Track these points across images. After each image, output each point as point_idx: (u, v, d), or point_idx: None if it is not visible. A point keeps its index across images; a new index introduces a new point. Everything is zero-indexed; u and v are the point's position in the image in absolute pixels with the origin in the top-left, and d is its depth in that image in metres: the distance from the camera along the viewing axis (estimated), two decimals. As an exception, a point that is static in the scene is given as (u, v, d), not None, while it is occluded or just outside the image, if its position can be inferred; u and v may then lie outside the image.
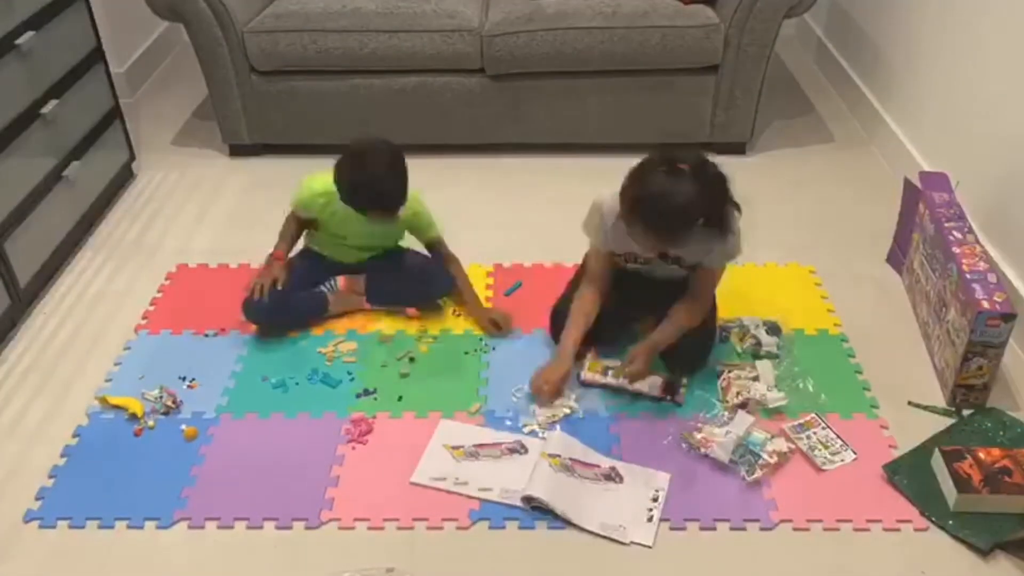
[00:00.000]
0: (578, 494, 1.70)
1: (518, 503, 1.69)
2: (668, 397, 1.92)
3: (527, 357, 2.03)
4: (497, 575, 1.58)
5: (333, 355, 2.07)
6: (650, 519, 1.67)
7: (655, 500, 1.70)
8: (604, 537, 1.64)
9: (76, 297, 2.31)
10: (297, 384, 1.99)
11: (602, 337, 2.01)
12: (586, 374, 1.96)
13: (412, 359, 2.06)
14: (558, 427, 1.86)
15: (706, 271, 1.91)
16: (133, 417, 1.90)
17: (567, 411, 1.90)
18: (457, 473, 1.75)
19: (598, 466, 1.77)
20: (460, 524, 1.67)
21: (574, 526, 1.66)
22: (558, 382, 1.91)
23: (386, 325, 2.17)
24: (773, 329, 2.08)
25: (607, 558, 1.61)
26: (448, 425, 1.87)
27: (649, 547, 1.62)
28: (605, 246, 1.93)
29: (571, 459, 1.76)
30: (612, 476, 1.75)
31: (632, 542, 1.63)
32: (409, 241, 2.23)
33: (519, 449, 1.81)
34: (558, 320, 2.01)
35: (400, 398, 1.95)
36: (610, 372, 1.96)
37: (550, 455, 1.76)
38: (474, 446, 1.81)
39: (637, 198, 1.70)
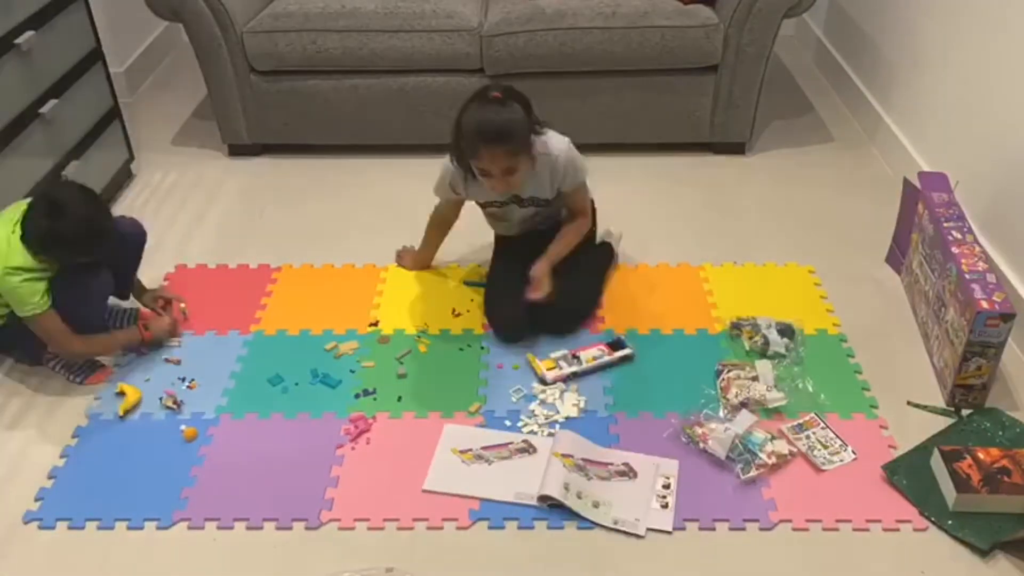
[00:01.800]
0: (589, 492, 1.71)
1: (533, 503, 1.69)
2: (618, 354, 2.02)
3: (525, 357, 2.05)
4: (497, 575, 1.58)
5: (339, 353, 2.07)
6: (665, 506, 1.69)
7: (667, 487, 1.73)
8: (620, 531, 1.65)
9: (75, 297, 2.31)
10: (297, 384, 1.99)
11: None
12: (547, 374, 1.97)
13: (401, 361, 2.05)
14: (558, 426, 1.87)
15: (573, 193, 2.11)
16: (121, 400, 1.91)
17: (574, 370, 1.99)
18: (469, 478, 1.75)
19: (611, 463, 1.77)
20: (460, 524, 1.67)
21: (589, 522, 1.66)
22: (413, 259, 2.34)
23: (385, 325, 2.17)
24: (786, 331, 2.08)
25: (606, 558, 1.61)
26: (452, 429, 1.86)
27: (669, 532, 1.65)
28: (454, 198, 2.18)
29: (583, 459, 1.77)
30: (627, 472, 1.76)
31: (649, 529, 1.65)
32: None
33: (528, 449, 1.81)
34: (499, 323, 2.14)
35: (399, 398, 1.95)
36: (563, 363, 2.00)
37: (563, 455, 1.76)
38: (482, 448, 1.81)
39: (475, 129, 1.90)
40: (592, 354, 2.02)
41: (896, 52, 2.81)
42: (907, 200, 2.31)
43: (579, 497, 1.69)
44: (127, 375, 2.03)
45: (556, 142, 2.03)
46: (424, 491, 1.73)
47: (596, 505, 1.69)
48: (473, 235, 2.51)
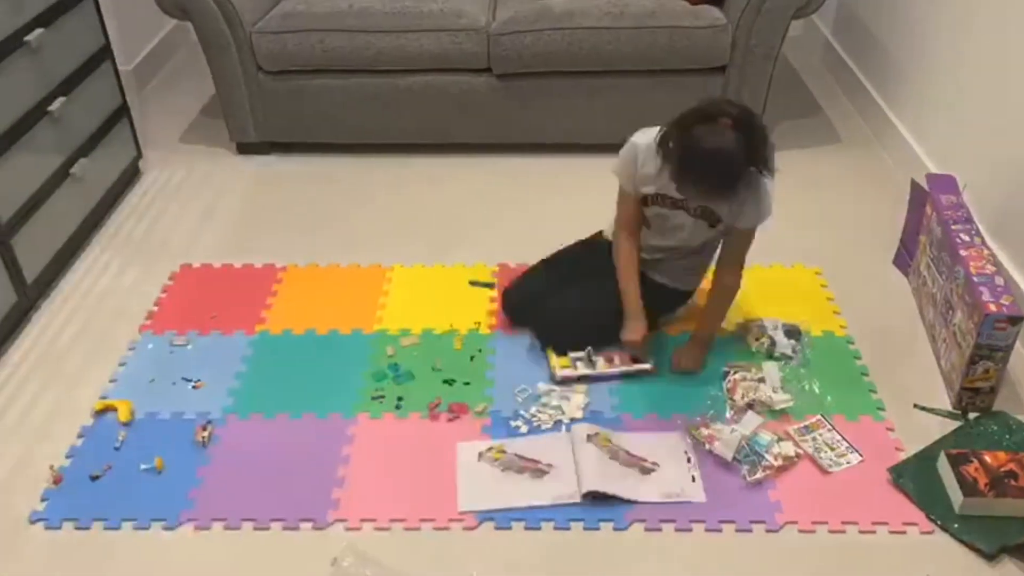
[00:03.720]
0: (624, 475, 1.74)
1: (577, 501, 1.70)
2: (636, 367, 1.99)
3: (531, 355, 2.06)
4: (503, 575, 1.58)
5: (393, 351, 2.08)
6: (693, 479, 1.75)
7: (689, 461, 1.78)
8: (669, 503, 1.69)
9: (82, 295, 2.32)
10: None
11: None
12: (560, 372, 1.97)
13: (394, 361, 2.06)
14: (564, 427, 1.87)
15: (740, 233, 1.90)
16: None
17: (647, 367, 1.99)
18: (502, 489, 1.74)
19: (627, 451, 1.80)
20: (467, 525, 1.68)
21: (637, 503, 1.70)
22: (645, 339, 1.98)
23: (391, 324, 2.17)
24: (793, 333, 2.08)
25: (613, 558, 1.61)
26: (465, 447, 1.84)
27: (704, 503, 1.70)
28: (635, 189, 1.93)
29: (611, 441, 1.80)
30: (651, 468, 1.78)
31: (689, 502, 1.70)
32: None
33: (546, 470, 1.79)
34: (508, 300, 2.12)
35: (400, 399, 1.95)
36: (579, 363, 1.99)
37: (591, 435, 1.80)
38: (514, 455, 1.81)
39: (685, 159, 1.72)
40: (612, 360, 2.00)
41: (905, 53, 2.80)
42: (915, 202, 2.30)
43: (619, 483, 1.72)
44: (130, 379, 2.04)
45: (768, 185, 1.82)
46: (461, 512, 1.70)
47: (635, 485, 1.72)
48: (479, 234, 2.52)
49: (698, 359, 2.01)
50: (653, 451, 1.81)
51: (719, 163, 1.69)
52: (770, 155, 1.75)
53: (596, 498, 1.70)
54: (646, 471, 1.77)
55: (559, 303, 2.03)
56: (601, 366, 1.99)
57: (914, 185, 2.32)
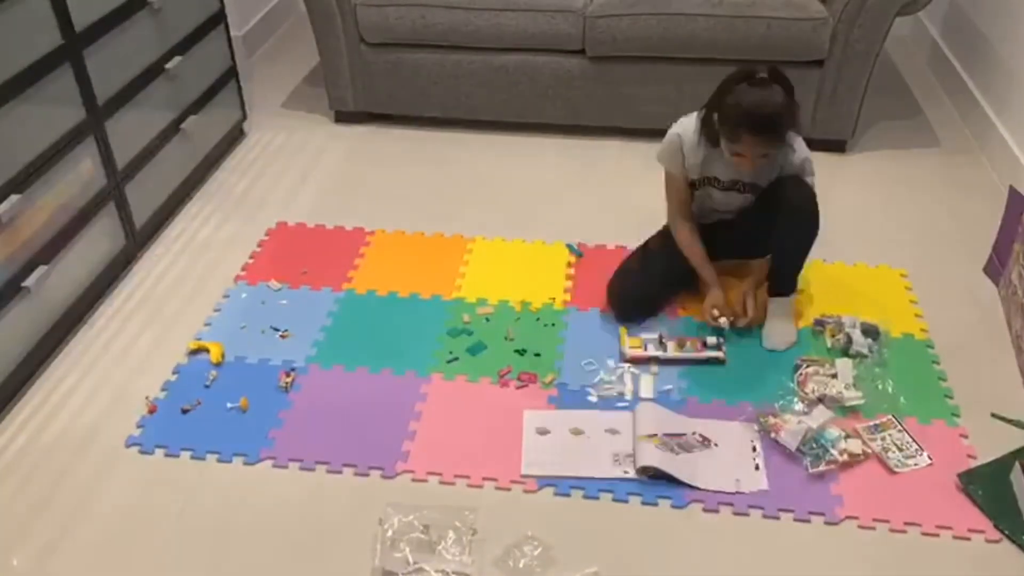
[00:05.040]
0: (685, 459, 1.76)
1: (632, 476, 1.74)
2: (707, 354, 2.00)
3: (602, 332, 2.10)
4: (558, 540, 1.63)
5: (469, 318, 2.15)
6: (757, 467, 1.76)
7: (755, 450, 1.79)
8: (727, 493, 1.71)
9: (184, 243, 2.47)
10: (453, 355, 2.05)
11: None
12: (629, 351, 2.00)
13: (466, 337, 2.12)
14: (629, 403, 1.90)
15: (799, 166, 1.99)
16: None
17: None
18: (564, 457, 1.79)
19: (685, 434, 1.81)
20: (527, 488, 1.73)
21: (693, 487, 1.72)
22: (726, 305, 2.05)
23: (469, 293, 2.24)
24: (870, 331, 2.05)
25: (668, 534, 1.64)
26: (532, 415, 1.89)
27: (767, 490, 1.71)
28: (685, 174, 2.04)
29: (666, 434, 1.80)
30: (704, 443, 1.80)
31: (750, 491, 1.71)
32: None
33: (612, 431, 1.84)
34: (614, 293, 2.14)
35: (473, 364, 2.01)
36: (650, 345, 2.02)
37: (648, 436, 1.80)
38: (569, 430, 1.85)
39: (743, 113, 1.83)
40: (684, 345, 2.02)
41: (1016, 58, 2.70)
42: (1011, 210, 2.23)
43: (676, 463, 1.74)
44: (222, 324, 2.16)
45: (800, 140, 1.99)
46: (524, 475, 1.75)
47: (693, 472, 1.74)
48: (560, 213, 2.56)
49: (784, 315, 2.06)
50: (719, 437, 1.82)
51: (772, 107, 1.82)
52: (798, 108, 1.90)
53: (654, 476, 1.73)
54: (707, 454, 1.78)
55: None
56: (672, 350, 2.01)
57: (1012, 192, 2.24)
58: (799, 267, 2.07)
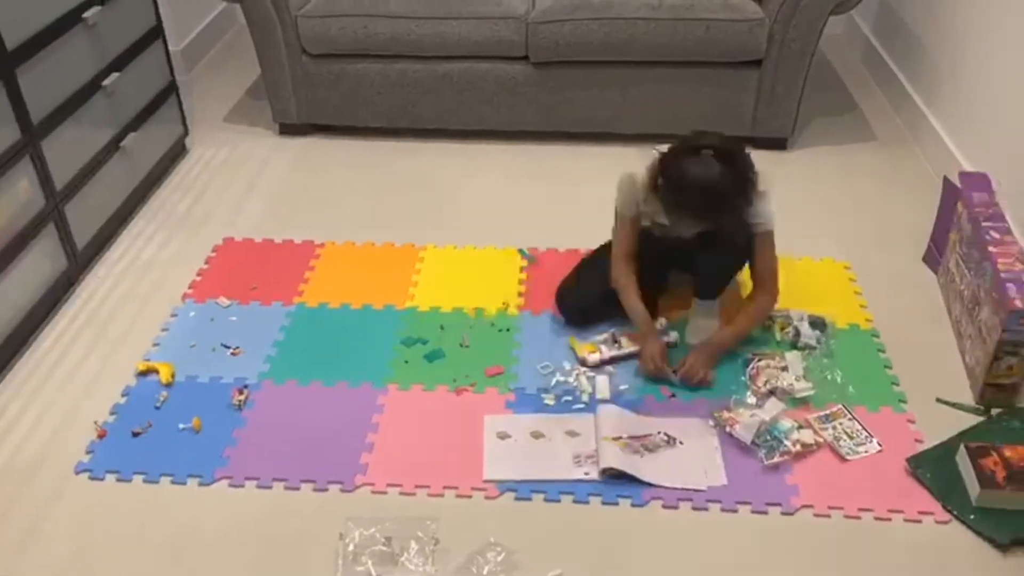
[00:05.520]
0: (647, 458, 1.78)
1: (596, 478, 1.75)
2: (664, 340, 2.02)
3: (556, 336, 2.11)
4: (520, 545, 1.63)
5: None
6: (717, 464, 1.78)
7: (717, 448, 1.81)
8: (691, 490, 1.73)
9: (129, 263, 2.42)
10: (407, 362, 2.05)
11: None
12: (590, 357, 2.01)
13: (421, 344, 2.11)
14: (600, 405, 1.91)
15: (760, 244, 1.95)
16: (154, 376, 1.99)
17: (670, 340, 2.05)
18: (526, 461, 1.79)
19: (651, 435, 1.83)
20: (488, 494, 1.73)
21: (657, 487, 1.73)
22: (663, 356, 1.98)
23: (422, 302, 2.23)
24: (818, 324, 2.10)
25: (628, 533, 1.66)
26: (493, 420, 1.89)
27: (725, 485, 1.73)
28: (636, 216, 2.00)
29: (630, 436, 1.82)
30: (671, 442, 1.82)
31: (710, 487, 1.73)
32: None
33: (572, 433, 1.85)
34: (560, 302, 2.14)
35: (428, 372, 2.01)
36: (603, 347, 2.03)
37: (612, 438, 1.81)
38: (530, 434, 1.85)
39: (677, 195, 1.82)
40: (635, 339, 2.04)
41: (943, 52, 2.79)
42: (946, 199, 2.31)
43: (637, 463, 1.75)
44: (171, 344, 2.12)
45: (763, 207, 1.91)
46: (485, 481, 1.75)
47: (656, 471, 1.75)
48: (510, 219, 2.57)
49: (707, 362, 1.97)
50: (683, 435, 1.84)
51: (708, 192, 1.77)
52: (755, 178, 1.84)
53: (615, 476, 1.75)
54: (674, 452, 1.80)
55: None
56: (627, 345, 2.04)
57: (947, 183, 2.32)
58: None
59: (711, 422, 1.87)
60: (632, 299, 2.03)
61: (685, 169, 1.79)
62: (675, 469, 1.77)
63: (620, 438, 1.81)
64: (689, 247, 1.97)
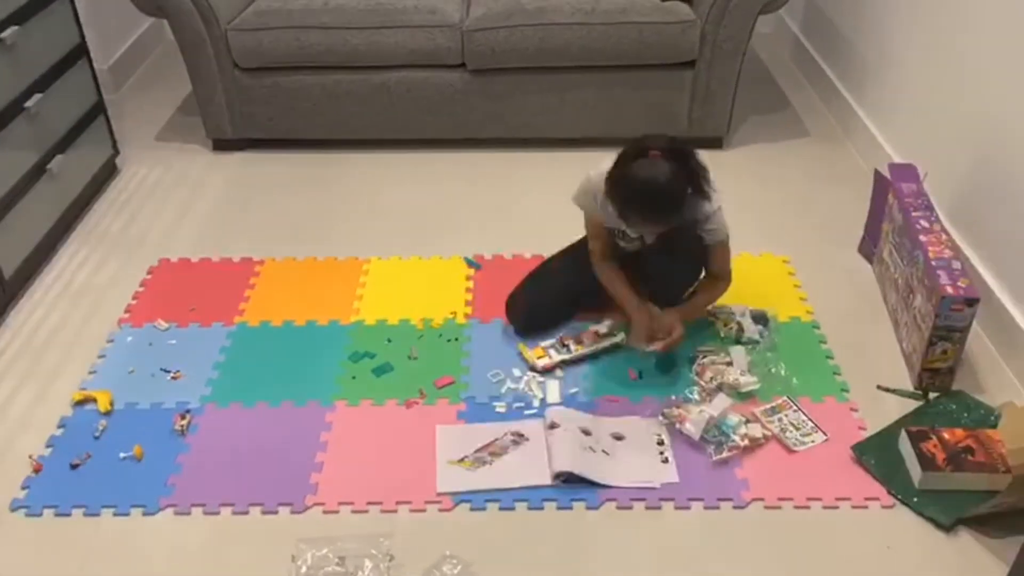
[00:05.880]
0: (598, 460, 1.78)
1: (547, 483, 1.75)
2: (607, 342, 2.04)
3: (505, 343, 2.10)
4: (477, 556, 1.62)
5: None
6: (665, 460, 1.80)
7: (661, 444, 1.83)
8: (640, 488, 1.73)
9: (60, 290, 2.34)
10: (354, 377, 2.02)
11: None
12: (539, 363, 2.01)
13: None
14: (539, 409, 1.91)
15: (714, 248, 2.01)
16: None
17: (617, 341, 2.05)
18: (478, 476, 1.77)
19: (592, 432, 1.84)
20: (443, 507, 1.71)
21: (606, 487, 1.73)
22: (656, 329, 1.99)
23: (368, 315, 2.21)
24: (760, 318, 2.13)
25: (584, 537, 1.66)
26: (444, 430, 1.87)
27: (677, 482, 1.75)
28: (600, 215, 2.00)
29: (580, 428, 1.83)
30: (618, 439, 1.84)
31: (662, 484, 1.74)
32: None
33: (518, 439, 1.85)
34: (511, 311, 2.14)
35: (377, 386, 1.98)
36: (552, 351, 2.04)
37: (561, 433, 1.83)
38: (476, 451, 1.82)
39: (627, 196, 1.83)
40: (582, 341, 2.06)
41: (869, 48, 2.87)
42: (878, 191, 2.37)
43: (590, 467, 1.75)
44: (109, 371, 2.06)
45: (708, 205, 1.92)
46: (440, 493, 1.73)
47: (604, 471, 1.76)
48: (454, 227, 2.56)
49: (679, 321, 1.98)
50: (627, 433, 1.86)
51: (656, 193, 1.80)
52: (705, 177, 1.88)
53: (568, 480, 1.75)
54: (619, 450, 1.81)
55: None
56: (575, 349, 2.04)
57: (877, 175, 2.38)
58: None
59: (661, 418, 1.88)
60: (616, 287, 2.06)
61: (633, 170, 1.81)
62: (626, 469, 1.77)
63: (566, 430, 1.82)
64: (649, 255, 2.00)
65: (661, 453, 1.81)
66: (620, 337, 2.07)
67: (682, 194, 1.83)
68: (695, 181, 1.86)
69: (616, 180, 1.84)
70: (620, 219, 1.90)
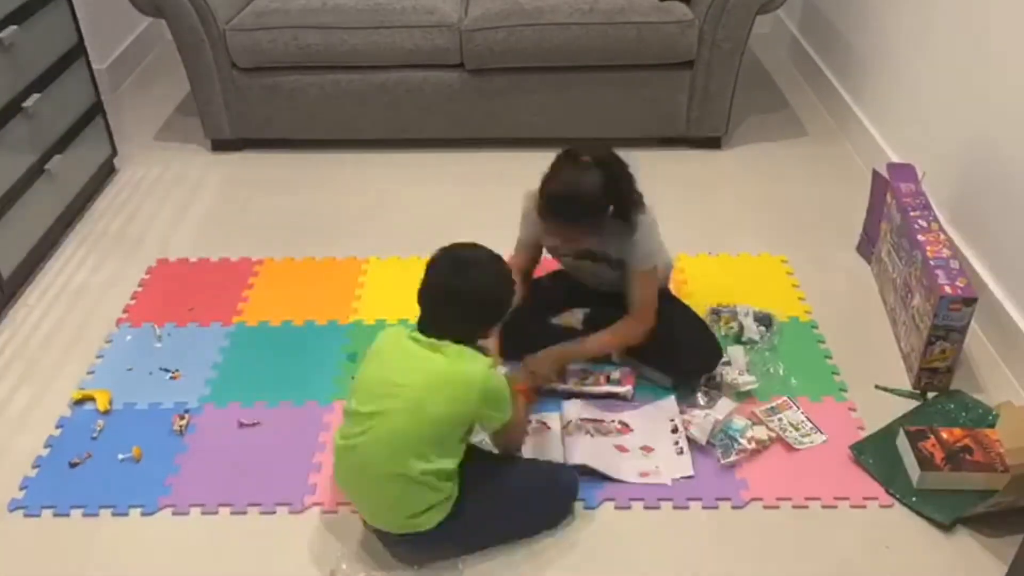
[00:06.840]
0: (611, 452, 1.78)
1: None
2: (606, 388, 1.94)
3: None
4: (476, 555, 1.61)
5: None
6: (680, 452, 1.79)
7: (675, 432, 1.82)
8: (649, 485, 1.73)
9: (59, 290, 2.33)
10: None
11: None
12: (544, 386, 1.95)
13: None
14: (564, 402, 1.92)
15: (634, 274, 1.86)
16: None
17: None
18: None
19: (604, 421, 1.85)
20: (440, 506, 1.71)
21: (617, 481, 1.74)
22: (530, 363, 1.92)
23: (367, 315, 2.20)
24: (764, 320, 2.13)
25: (581, 537, 1.66)
26: None
27: (692, 476, 1.74)
28: (532, 238, 1.97)
29: (582, 419, 1.85)
30: (624, 430, 1.84)
31: (673, 480, 1.73)
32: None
33: (542, 428, 1.87)
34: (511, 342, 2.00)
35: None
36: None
37: (569, 424, 1.85)
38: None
39: (546, 193, 1.76)
40: (586, 379, 1.97)
41: (867, 48, 2.87)
42: (876, 191, 2.37)
43: (603, 460, 1.76)
44: (107, 371, 2.06)
45: (646, 224, 1.83)
46: None
47: (618, 465, 1.76)
48: (453, 227, 2.56)
49: (551, 364, 1.91)
50: (637, 424, 1.86)
51: (572, 193, 1.73)
52: (631, 190, 1.78)
53: (583, 473, 1.74)
54: (625, 440, 1.82)
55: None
56: (572, 384, 1.96)
57: (875, 175, 2.38)
58: None
59: (672, 419, 1.88)
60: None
61: (557, 172, 1.76)
62: (640, 463, 1.77)
63: (571, 422, 1.83)
64: (589, 286, 1.99)
65: (676, 443, 1.81)
66: (625, 391, 1.94)
67: (599, 201, 1.74)
68: (618, 192, 1.75)
69: (542, 181, 1.78)
70: (541, 221, 1.80)
